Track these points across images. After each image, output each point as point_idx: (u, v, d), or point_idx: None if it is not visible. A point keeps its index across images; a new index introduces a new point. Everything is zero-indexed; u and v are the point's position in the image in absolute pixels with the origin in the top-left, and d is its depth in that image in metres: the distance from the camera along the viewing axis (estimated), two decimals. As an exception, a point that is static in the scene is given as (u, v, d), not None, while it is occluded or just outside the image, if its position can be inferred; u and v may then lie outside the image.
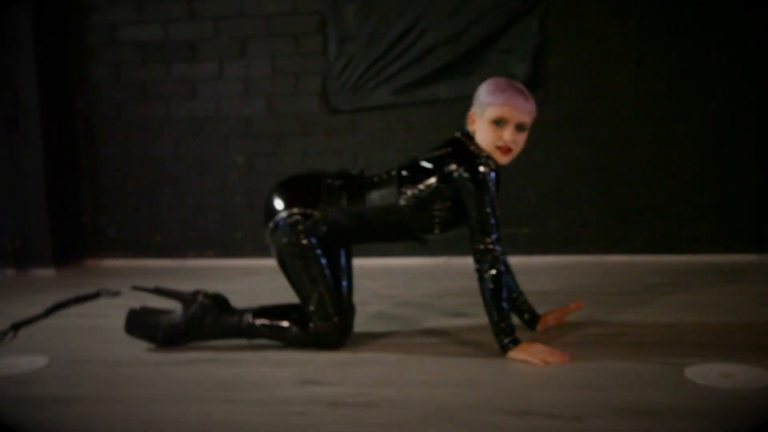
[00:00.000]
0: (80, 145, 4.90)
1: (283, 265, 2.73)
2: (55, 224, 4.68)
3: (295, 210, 2.67)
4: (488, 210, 2.53)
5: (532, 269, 4.13)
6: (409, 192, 2.62)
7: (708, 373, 2.26)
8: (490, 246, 2.52)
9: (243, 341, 2.75)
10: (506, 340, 2.50)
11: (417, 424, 1.97)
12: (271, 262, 4.80)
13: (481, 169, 2.54)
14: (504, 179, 2.67)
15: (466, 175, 2.56)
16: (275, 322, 2.69)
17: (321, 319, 2.65)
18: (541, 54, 4.37)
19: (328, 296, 2.64)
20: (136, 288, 2.87)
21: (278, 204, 2.71)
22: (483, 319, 2.60)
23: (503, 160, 2.60)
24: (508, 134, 2.54)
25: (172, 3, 4.73)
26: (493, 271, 2.50)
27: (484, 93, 2.58)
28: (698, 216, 4.29)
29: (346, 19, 4.55)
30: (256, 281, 4.18)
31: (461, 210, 2.59)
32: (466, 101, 4.47)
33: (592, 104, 4.36)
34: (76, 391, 2.32)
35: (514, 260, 4.36)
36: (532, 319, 2.87)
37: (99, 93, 4.87)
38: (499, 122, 2.54)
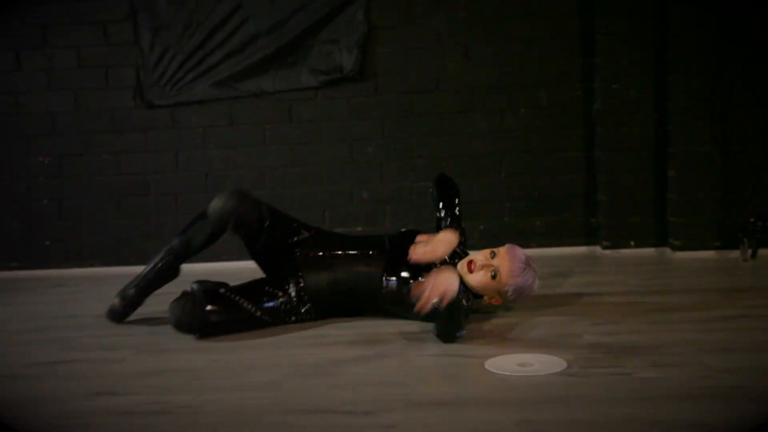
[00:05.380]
0: None
1: None
2: None
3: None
4: None
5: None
6: None
7: (506, 364, 2.54)
8: None
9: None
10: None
11: (206, 428, 2.12)
12: (85, 271, 4.89)
13: None
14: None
15: None
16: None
17: None
18: (367, 44, 4.58)
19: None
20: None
21: None
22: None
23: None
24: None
25: (-41, -13, 4.66)
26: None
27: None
28: (529, 209, 4.65)
29: (159, 5, 4.59)
30: (69, 291, 4.19)
31: None
32: (293, 93, 4.72)
33: (422, 97, 4.63)
34: None
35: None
36: None
37: None
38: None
